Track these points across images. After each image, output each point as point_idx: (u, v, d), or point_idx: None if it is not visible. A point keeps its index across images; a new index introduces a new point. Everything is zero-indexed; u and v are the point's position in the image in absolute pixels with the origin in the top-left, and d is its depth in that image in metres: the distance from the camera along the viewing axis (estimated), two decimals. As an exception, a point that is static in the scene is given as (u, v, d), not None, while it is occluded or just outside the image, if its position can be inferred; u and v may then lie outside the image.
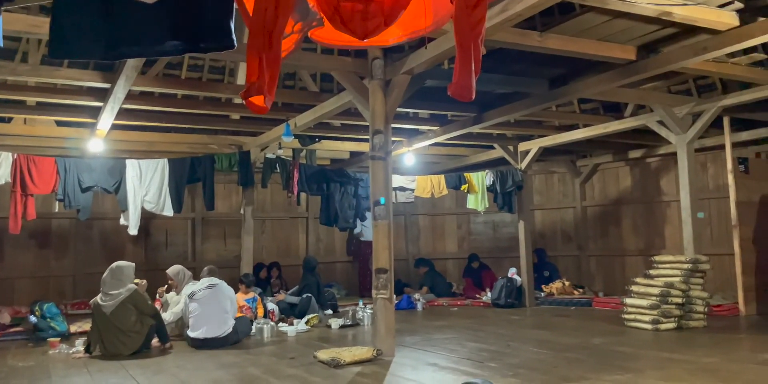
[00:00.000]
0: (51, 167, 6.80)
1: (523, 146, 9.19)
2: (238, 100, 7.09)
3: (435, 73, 5.88)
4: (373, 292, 5.20)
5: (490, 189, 9.29)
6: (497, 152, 9.53)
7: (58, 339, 6.08)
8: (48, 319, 6.57)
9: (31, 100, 6.55)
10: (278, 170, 8.39)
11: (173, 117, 7.42)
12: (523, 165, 9.19)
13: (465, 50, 2.10)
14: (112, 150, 8.04)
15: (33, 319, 6.51)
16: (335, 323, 7.04)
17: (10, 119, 7.18)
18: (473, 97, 2.16)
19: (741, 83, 6.50)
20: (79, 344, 5.74)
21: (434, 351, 5.40)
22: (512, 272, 8.95)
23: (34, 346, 6.20)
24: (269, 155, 8.40)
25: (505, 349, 5.43)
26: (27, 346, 6.19)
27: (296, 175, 8.38)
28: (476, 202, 9.40)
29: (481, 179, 9.29)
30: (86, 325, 6.25)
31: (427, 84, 5.94)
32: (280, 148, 8.50)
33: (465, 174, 9.43)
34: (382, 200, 5.18)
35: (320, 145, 8.90)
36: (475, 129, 7.80)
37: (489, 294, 9.10)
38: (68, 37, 1.71)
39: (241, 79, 6.61)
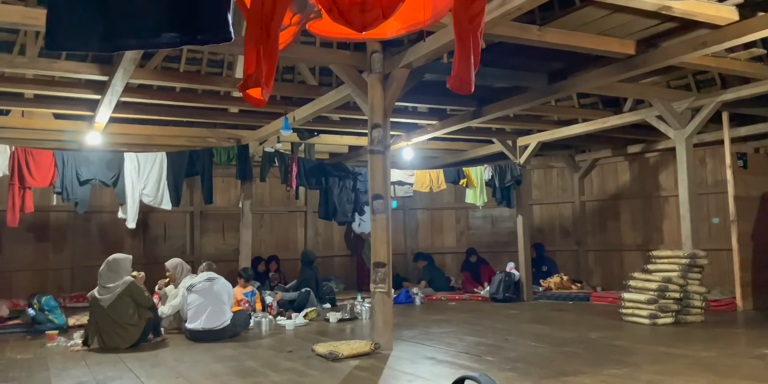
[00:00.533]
0: (49, 160, 6.78)
1: (522, 141, 9.18)
2: (236, 94, 7.08)
3: (434, 67, 5.87)
4: (372, 285, 5.20)
5: (489, 183, 9.29)
6: (496, 147, 9.53)
7: (56, 332, 6.09)
8: (46, 312, 6.58)
9: (29, 92, 6.53)
10: (277, 164, 8.38)
11: (172, 110, 7.40)
12: (522, 160, 9.18)
13: (464, 43, 2.09)
14: (111, 143, 8.02)
15: (31, 311, 6.52)
16: (333, 317, 7.05)
17: (7, 112, 7.15)
18: (472, 90, 2.15)
19: (740, 78, 6.49)
20: (77, 337, 5.74)
21: (432, 345, 5.41)
22: (510, 267, 8.97)
23: (32, 338, 6.21)
24: (268, 149, 8.38)
25: (502, 343, 5.45)
26: (25, 339, 6.20)
27: (295, 169, 8.38)
28: (475, 196, 9.40)
29: (480, 174, 9.29)
30: (84, 318, 6.26)
31: (426, 78, 5.93)
32: (278, 142, 8.49)
33: (464, 168, 9.43)
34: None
35: (319, 139, 8.89)
36: (474, 123, 7.78)
37: (487, 288, 9.12)
38: (64, 29, 1.69)
39: (239, 72, 6.59)
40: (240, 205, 8.60)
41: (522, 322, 6.90)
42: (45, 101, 6.73)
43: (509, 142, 9.31)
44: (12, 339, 6.22)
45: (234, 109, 7.66)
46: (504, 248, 10.56)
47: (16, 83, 6.13)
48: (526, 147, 9.14)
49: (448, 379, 3.43)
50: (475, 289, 9.47)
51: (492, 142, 9.60)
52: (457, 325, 6.65)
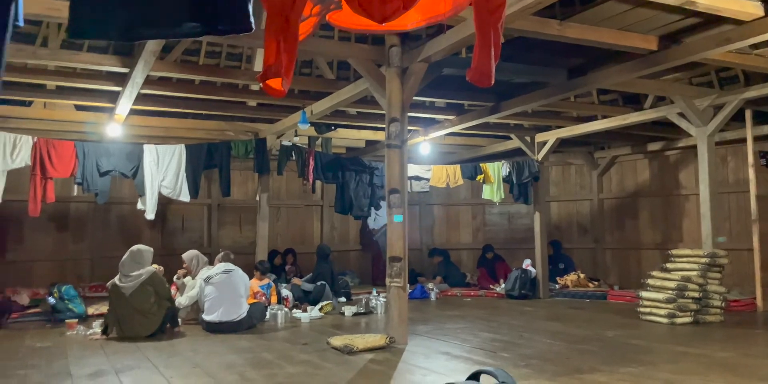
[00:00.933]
0: (70, 151, 6.87)
1: (540, 137, 9.12)
2: (255, 87, 7.10)
3: (452, 62, 5.84)
4: (387, 280, 5.21)
5: (506, 180, 9.25)
6: (514, 143, 9.47)
7: (76, 320, 6.18)
8: (66, 301, 6.67)
9: (51, 83, 6.60)
10: (294, 158, 8.42)
11: (191, 103, 7.45)
12: (540, 156, 9.12)
13: (484, 35, 2.07)
14: (130, 135, 8.10)
15: (51, 300, 6.61)
16: (348, 311, 7.08)
17: (30, 103, 7.25)
18: (492, 82, 2.14)
19: (764, 75, 6.38)
20: (96, 326, 5.82)
21: (447, 340, 5.40)
22: (527, 264, 8.92)
23: (51, 327, 6.30)
24: (285, 143, 8.42)
25: (517, 339, 5.43)
26: (45, 327, 6.29)
27: (312, 162, 8.40)
28: (492, 192, 9.35)
29: (498, 170, 9.24)
30: (103, 308, 6.34)
31: (444, 72, 5.90)
32: (296, 136, 8.51)
33: (481, 164, 9.39)
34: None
35: (336, 133, 8.91)
36: (492, 119, 7.74)
37: (503, 285, 9.09)
38: (87, 18, 1.71)
39: (258, 65, 6.60)
40: (257, 199, 8.65)
41: (537, 319, 6.87)
42: (67, 93, 6.80)
43: (527, 138, 9.25)
44: (32, 327, 6.32)
45: (252, 103, 7.69)
46: (520, 245, 10.51)
47: (38, 74, 6.19)
48: (544, 143, 9.08)
49: (463, 374, 3.43)
50: (491, 286, 9.44)
51: (510, 138, 9.54)
52: (472, 321, 6.63)
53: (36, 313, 6.83)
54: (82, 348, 5.17)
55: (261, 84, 2.04)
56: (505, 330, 5.97)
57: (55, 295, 6.70)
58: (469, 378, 2.34)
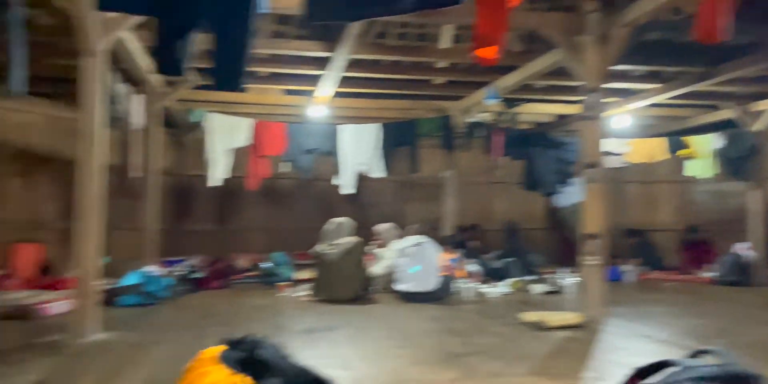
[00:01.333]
0: (281, 132, 7.61)
1: (759, 106, 8.06)
2: (441, 64, 7.18)
3: (655, 25, 5.39)
4: (581, 257, 5.05)
5: (717, 154, 8.34)
6: (724, 113, 8.49)
7: (286, 283, 6.89)
8: (278, 266, 7.46)
9: (264, 70, 7.29)
10: (480, 134, 8.42)
11: (381, 83, 7.76)
12: (759, 127, 8.08)
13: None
14: (329, 116, 8.68)
15: (267, 265, 7.45)
16: (537, 288, 6.99)
17: (246, 89, 8.08)
18: (725, 38, 1.96)
19: None
20: (304, 289, 6.44)
21: (646, 323, 5.10)
22: (742, 247, 8.03)
23: (266, 288, 7.09)
24: (471, 119, 8.44)
25: (732, 327, 4.95)
26: (261, 288, 7.10)
27: (498, 139, 8.33)
28: (699, 168, 8.53)
29: (707, 143, 8.38)
30: (309, 273, 6.98)
31: (646, 37, 5.48)
32: (482, 112, 8.49)
33: (686, 138, 8.57)
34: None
35: (523, 108, 8.71)
36: (700, 87, 7.01)
37: (710, 270, 8.29)
38: (323, 4, 1.89)
39: (444, 43, 6.64)
40: (443, 175, 8.81)
41: (754, 307, 6.19)
42: (277, 78, 7.46)
43: (742, 108, 8.23)
44: (249, 288, 7.18)
45: (438, 80, 7.79)
46: (732, 227, 9.44)
47: (254, 63, 6.84)
48: (763, 113, 8.02)
49: (669, 358, 3.23)
50: (696, 270, 8.66)
51: (718, 108, 8.57)
52: (674, 305, 6.18)
53: (252, 276, 7.72)
54: (294, 307, 5.76)
55: (474, 54, 2.08)
56: (715, 316, 5.47)
57: (269, 260, 7.52)
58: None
